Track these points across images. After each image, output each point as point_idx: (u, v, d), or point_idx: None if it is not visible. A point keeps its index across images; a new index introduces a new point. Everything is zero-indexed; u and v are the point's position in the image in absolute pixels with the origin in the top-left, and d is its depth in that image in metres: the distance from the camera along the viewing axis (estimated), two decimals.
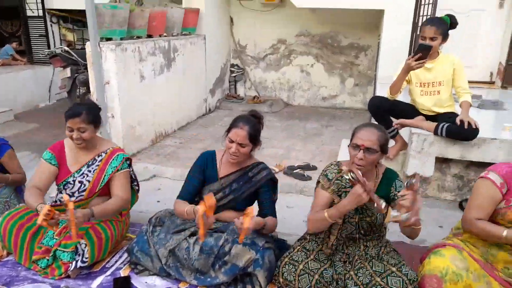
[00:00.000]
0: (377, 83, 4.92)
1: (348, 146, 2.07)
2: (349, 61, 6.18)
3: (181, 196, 2.34)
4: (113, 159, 2.40)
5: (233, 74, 6.67)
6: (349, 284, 2.08)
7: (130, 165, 2.47)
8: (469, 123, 2.78)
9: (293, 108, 6.48)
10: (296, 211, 3.20)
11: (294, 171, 3.74)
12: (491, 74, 4.89)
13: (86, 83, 4.69)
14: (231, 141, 2.18)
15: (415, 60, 2.74)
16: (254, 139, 2.21)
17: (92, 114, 2.33)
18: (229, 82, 6.71)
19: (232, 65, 6.70)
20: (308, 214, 2.14)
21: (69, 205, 2.03)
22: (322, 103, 6.52)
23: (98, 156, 2.41)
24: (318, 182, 2.19)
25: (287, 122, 5.66)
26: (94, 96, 3.85)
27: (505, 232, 1.96)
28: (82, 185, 2.38)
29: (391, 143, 3.26)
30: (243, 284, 2.18)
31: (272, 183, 2.36)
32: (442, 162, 3.12)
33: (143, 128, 4.31)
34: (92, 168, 2.38)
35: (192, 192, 2.33)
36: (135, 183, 2.58)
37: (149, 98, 4.37)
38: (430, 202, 3.20)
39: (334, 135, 4.99)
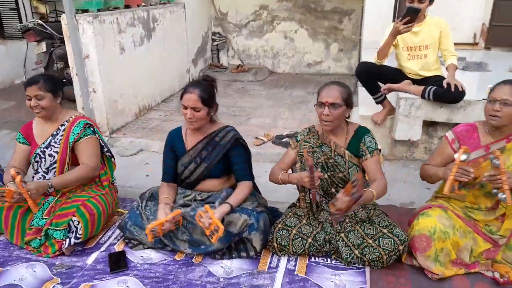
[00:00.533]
0: (362, 48, 4.89)
1: (315, 105, 2.17)
2: (333, 26, 6.10)
3: (164, 178, 2.41)
4: (74, 126, 2.37)
5: (215, 43, 6.52)
6: (340, 246, 2.15)
7: (94, 132, 2.43)
8: (455, 86, 2.79)
9: (278, 76, 6.42)
10: None
11: (283, 140, 3.74)
12: (475, 35, 4.89)
13: (63, 58, 4.53)
14: (185, 108, 2.18)
15: (403, 24, 2.71)
16: (207, 101, 2.18)
17: (50, 82, 2.32)
18: (212, 51, 6.57)
19: (214, 34, 6.54)
20: (274, 165, 2.37)
21: (16, 179, 2.12)
22: (308, 69, 6.47)
23: (62, 126, 2.39)
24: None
25: (272, 90, 5.61)
26: (73, 71, 3.72)
27: (437, 171, 2.17)
28: (52, 158, 2.35)
29: (379, 108, 3.28)
30: (238, 252, 2.21)
31: (241, 145, 2.34)
32: (429, 125, 3.16)
33: (125, 101, 4.21)
34: (57, 138, 2.37)
35: (170, 172, 2.39)
36: (106, 150, 2.54)
37: (131, 70, 4.25)
38: (417, 165, 3.24)
39: None
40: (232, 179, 2.43)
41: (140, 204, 2.32)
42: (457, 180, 2.01)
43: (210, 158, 2.30)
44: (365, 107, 3.39)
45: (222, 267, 2.16)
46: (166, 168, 2.39)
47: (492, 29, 4.55)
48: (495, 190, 1.98)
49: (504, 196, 1.93)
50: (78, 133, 2.36)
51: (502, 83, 2.07)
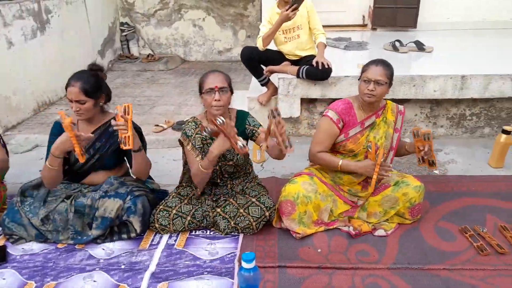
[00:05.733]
0: None
1: (201, 94, 2.25)
2: (239, 13, 6.25)
3: None
4: None
5: (124, 33, 6.41)
6: (218, 220, 2.31)
7: None
8: (323, 64, 3.06)
9: (190, 64, 6.47)
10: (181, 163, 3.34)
11: (183, 126, 3.83)
12: (363, 17, 5.28)
13: None
14: (70, 101, 2.18)
15: (292, 11, 2.92)
16: (92, 92, 2.19)
17: None
18: (121, 41, 6.45)
19: (122, 24, 6.42)
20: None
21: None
22: (219, 57, 6.58)
23: None
24: None
25: (182, 78, 5.66)
26: None
27: (340, 162, 2.30)
28: None
29: (264, 89, 3.49)
30: (119, 234, 2.30)
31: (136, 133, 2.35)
32: (309, 102, 3.42)
33: (20, 98, 4.07)
34: None
35: None
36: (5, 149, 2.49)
37: (23, 65, 4.10)
38: (302, 139, 3.52)
39: None
40: (122, 169, 2.49)
41: (17, 199, 2.31)
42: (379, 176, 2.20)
43: (105, 149, 2.34)
44: (252, 90, 3.59)
45: (103, 249, 2.24)
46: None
47: (376, 10, 4.94)
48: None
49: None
50: None
51: (374, 63, 2.23)
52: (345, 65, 3.50)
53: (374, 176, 2.17)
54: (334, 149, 2.40)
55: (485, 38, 4.59)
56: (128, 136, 2.09)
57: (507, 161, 3.03)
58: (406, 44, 4.00)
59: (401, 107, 2.41)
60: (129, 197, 2.24)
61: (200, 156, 2.25)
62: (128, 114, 2.12)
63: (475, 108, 3.39)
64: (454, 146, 3.34)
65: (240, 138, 2.03)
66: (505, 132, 2.88)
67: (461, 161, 3.11)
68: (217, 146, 2.06)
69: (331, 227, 2.35)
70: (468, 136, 3.49)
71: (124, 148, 2.08)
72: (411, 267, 2.05)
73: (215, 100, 2.14)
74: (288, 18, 2.95)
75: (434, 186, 2.77)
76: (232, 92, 2.26)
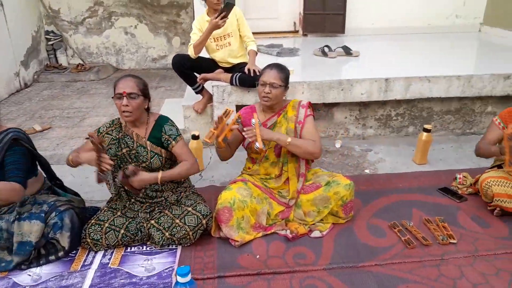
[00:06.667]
0: None
1: (112, 97, 2.23)
2: (172, 20, 6.17)
3: None
4: None
5: (50, 42, 6.07)
6: (152, 232, 2.25)
7: None
8: (254, 71, 3.10)
9: (124, 73, 6.17)
10: None
11: None
12: (295, 23, 5.44)
13: None
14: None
15: (221, 19, 2.92)
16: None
17: None
18: (47, 51, 6.10)
19: (48, 32, 6.08)
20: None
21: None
22: (153, 64, 6.44)
23: None
24: None
25: None
26: None
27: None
28: None
29: (198, 97, 3.46)
30: (46, 256, 2.15)
31: (21, 146, 2.16)
32: None
33: None
34: None
35: None
36: None
37: None
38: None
39: (163, 96, 5.03)
40: (35, 184, 2.29)
41: None
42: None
43: None
44: (187, 98, 3.55)
45: (29, 275, 2.09)
46: None
47: (305, 17, 5.10)
48: (257, 144, 2.24)
49: (257, 144, 2.22)
50: None
51: (269, 67, 2.38)
52: None
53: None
54: (249, 154, 2.56)
55: (406, 43, 4.92)
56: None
57: (430, 157, 3.25)
58: (335, 49, 4.16)
59: (304, 101, 2.49)
60: (54, 213, 2.11)
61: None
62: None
63: (399, 108, 3.61)
64: (382, 146, 3.53)
65: (107, 160, 2.07)
66: (426, 130, 3.10)
67: (389, 160, 3.29)
68: (86, 158, 2.14)
69: (269, 231, 2.38)
70: (395, 136, 3.71)
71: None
72: (345, 266, 2.12)
73: (123, 105, 2.15)
74: (217, 26, 2.96)
75: (365, 185, 2.90)
76: (146, 98, 2.26)
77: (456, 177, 2.87)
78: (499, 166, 2.64)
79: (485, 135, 2.61)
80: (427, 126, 3.10)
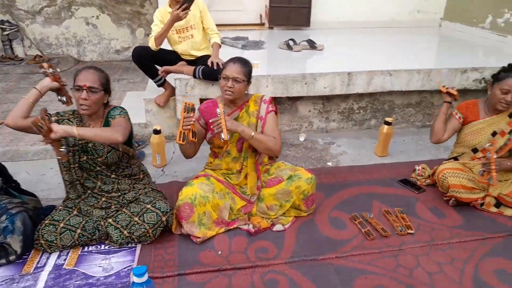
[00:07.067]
0: None
1: (71, 89, 2.16)
2: (136, 11, 5.99)
3: None
4: None
5: (5, 32, 5.77)
6: (110, 230, 2.19)
7: None
8: (217, 64, 3.05)
9: (85, 65, 6.04)
10: None
11: None
12: (261, 16, 5.40)
13: None
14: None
15: (182, 10, 2.84)
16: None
17: None
18: (3, 41, 5.80)
19: (2, 22, 5.77)
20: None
21: None
22: (117, 56, 6.24)
23: None
24: None
25: None
26: None
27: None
28: None
29: (161, 90, 3.38)
30: None
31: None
32: None
33: None
34: None
35: None
36: None
37: None
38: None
39: (125, 88, 4.89)
40: None
41: None
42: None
43: None
44: (149, 91, 3.47)
45: None
46: None
47: (271, 10, 5.07)
48: (222, 136, 2.19)
49: (222, 136, 2.19)
50: None
51: (232, 61, 2.34)
52: None
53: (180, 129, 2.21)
54: (212, 148, 2.53)
55: (370, 37, 4.98)
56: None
57: (391, 150, 3.32)
58: (299, 43, 4.17)
59: (266, 96, 2.49)
60: (4, 216, 2.02)
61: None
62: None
63: (361, 102, 3.66)
64: (345, 139, 3.57)
65: (64, 145, 2.01)
66: (387, 123, 3.15)
67: (351, 152, 3.33)
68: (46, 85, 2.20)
69: (232, 227, 2.36)
70: (357, 129, 3.76)
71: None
72: (306, 258, 2.14)
73: (81, 98, 2.07)
74: (179, 18, 2.89)
75: (327, 178, 2.93)
76: (106, 93, 2.19)
77: (415, 169, 2.94)
78: (455, 158, 2.73)
79: None
80: (388, 119, 3.16)
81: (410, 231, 2.35)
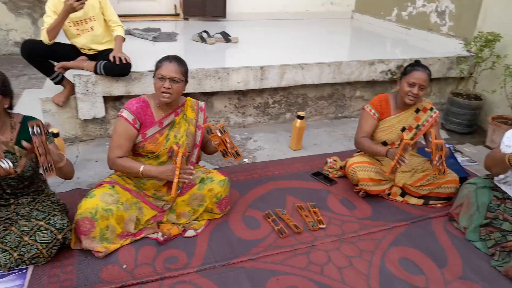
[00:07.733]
0: None
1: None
2: None
3: None
4: None
5: None
6: None
7: None
8: (120, 58, 2.83)
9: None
10: None
11: None
12: (175, 6, 5.17)
13: None
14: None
15: (77, 0, 2.58)
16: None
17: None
18: None
19: None
20: None
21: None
22: (16, 49, 5.57)
23: None
24: None
25: None
26: None
27: (141, 168, 2.14)
28: None
29: (59, 89, 3.08)
30: None
31: None
32: (115, 100, 3.16)
33: None
34: None
35: None
36: None
37: None
38: None
39: (25, 86, 4.39)
40: None
41: None
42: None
43: None
44: (47, 89, 3.14)
45: None
46: None
47: (186, 1, 4.88)
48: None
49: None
50: None
51: (168, 60, 2.13)
52: (153, 58, 3.30)
53: (175, 180, 2.08)
54: (135, 151, 2.25)
55: (284, 28, 5.00)
56: None
57: (305, 143, 3.35)
58: (213, 35, 4.04)
59: (201, 103, 2.39)
60: None
61: None
62: None
63: (276, 96, 3.65)
64: (261, 133, 3.54)
65: (4, 159, 1.73)
66: (299, 117, 3.16)
67: (268, 147, 3.31)
68: None
69: (139, 237, 2.20)
70: (273, 123, 3.76)
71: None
72: (218, 264, 2.06)
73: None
74: (73, 9, 2.62)
75: (243, 175, 2.87)
76: (9, 96, 1.92)
77: (327, 161, 2.99)
78: None
79: (361, 126, 2.69)
80: (300, 113, 3.16)
81: (321, 226, 2.38)
